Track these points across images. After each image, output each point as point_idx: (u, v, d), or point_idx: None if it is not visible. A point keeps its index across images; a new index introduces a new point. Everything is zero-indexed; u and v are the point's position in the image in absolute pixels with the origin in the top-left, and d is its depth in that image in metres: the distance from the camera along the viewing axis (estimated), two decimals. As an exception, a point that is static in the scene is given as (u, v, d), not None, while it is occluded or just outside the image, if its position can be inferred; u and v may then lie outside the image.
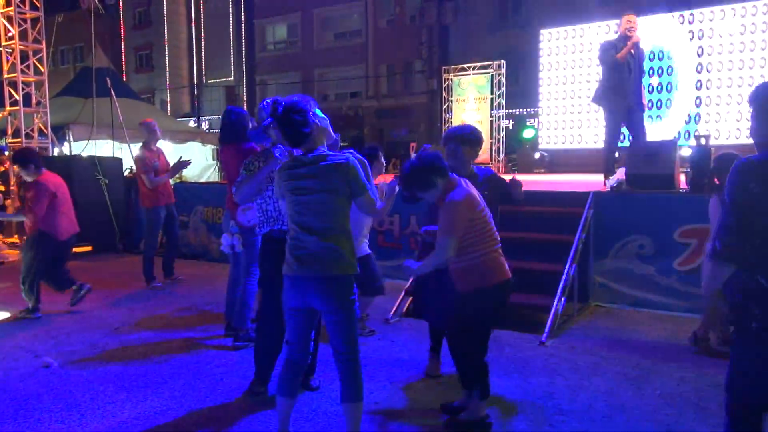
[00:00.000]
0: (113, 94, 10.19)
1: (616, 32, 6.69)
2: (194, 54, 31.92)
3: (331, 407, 3.52)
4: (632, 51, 6.33)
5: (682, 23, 10.53)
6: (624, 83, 6.46)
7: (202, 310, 5.88)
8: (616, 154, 7.15)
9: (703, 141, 5.81)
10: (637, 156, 5.96)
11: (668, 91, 10.78)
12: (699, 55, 10.30)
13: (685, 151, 7.25)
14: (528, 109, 20.12)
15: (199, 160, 12.25)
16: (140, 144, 7.02)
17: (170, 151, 10.06)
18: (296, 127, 2.79)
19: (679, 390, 3.76)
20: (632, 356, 4.35)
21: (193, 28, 31.86)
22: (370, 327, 5.01)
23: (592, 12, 18.38)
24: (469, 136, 3.77)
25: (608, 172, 6.69)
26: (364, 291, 4.44)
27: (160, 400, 3.68)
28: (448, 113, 12.89)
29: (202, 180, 12.68)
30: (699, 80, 10.25)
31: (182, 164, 6.67)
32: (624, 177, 6.12)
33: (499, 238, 3.21)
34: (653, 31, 10.66)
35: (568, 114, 12.02)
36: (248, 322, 4.66)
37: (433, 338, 4.05)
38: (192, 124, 25.15)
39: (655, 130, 10.49)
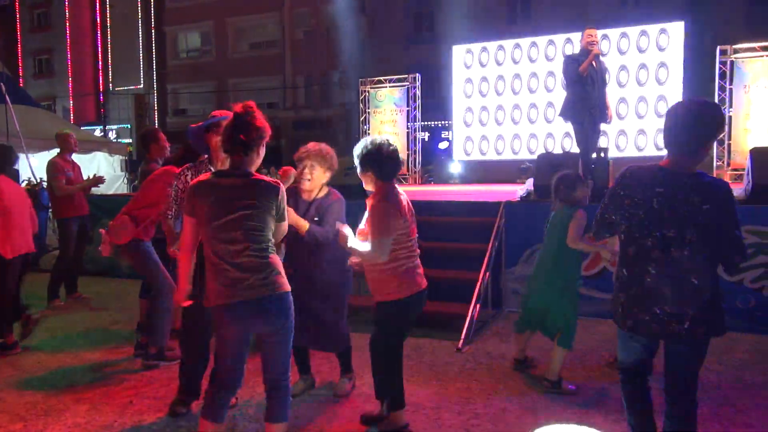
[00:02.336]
0: (8, 101, 9.49)
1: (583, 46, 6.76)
2: (100, 59, 30.34)
3: (250, 424, 3.43)
4: (594, 63, 6.54)
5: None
6: (588, 95, 6.59)
7: (109, 329, 5.57)
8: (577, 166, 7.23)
9: (602, 154, 6.20)
10: (545, 167, 6.27)
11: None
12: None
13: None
14: (443, 122, 20.72)
15: (106, 171, 11.65)
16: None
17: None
18: None
19: (586, 387, 3.97)
20: (542, 360, 4.54)
21: (99, 32, 30.30)
22: None
23: (502, 30, 19.25)
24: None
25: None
26: None
27: (62, 428, 3.44)
28: (366, 125, 13.01)
29: (110, 192, 12.04)
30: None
31: (97, 180, 6.58)
32: (533, 187, 6.41)
33: (418, 250, 3.27)
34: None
35: (481, 127, 12.48)
36: (163, 339, 4.46)
37: (296, 358, 3.86)
38: (98, 133, 23.87)
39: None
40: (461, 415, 3.58)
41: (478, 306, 5.23)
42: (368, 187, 3.21)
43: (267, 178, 2.75)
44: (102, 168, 11.95)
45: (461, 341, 4.87)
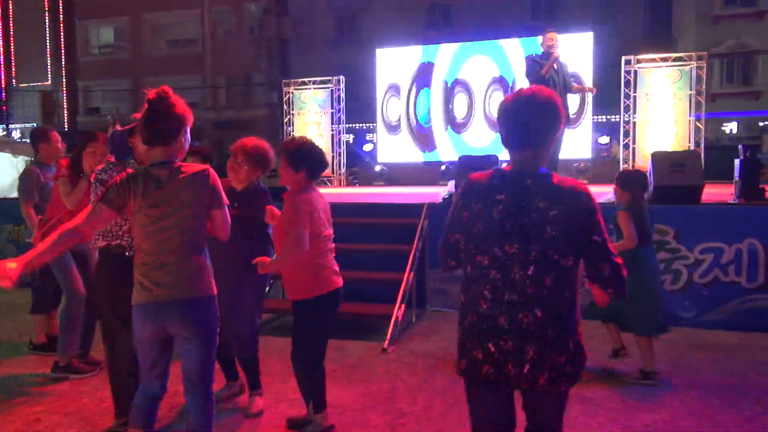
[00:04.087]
0: None
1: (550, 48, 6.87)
2: (1, 53, 28.29)
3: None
4: (555, 66, 6.68)
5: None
6: None
7: (12, 341, 5.21)
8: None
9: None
10: (465, 169, 6.44)
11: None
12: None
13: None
14: (367, 124, 20.85)
15: (8, 173, 10.89)
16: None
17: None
18: None
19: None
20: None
21: (0, 23, 28.26)
22: None
23: (420, 35, 19.66)
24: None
25: None
26: None
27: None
28: (290, 126, 12.88)
29: (13, 196, 11.25)
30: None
31: None
32: (454, 189, 6.58)
33: (333, 249, 3.28)
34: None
35: (404, 129, 12.67)
36: (72, 351, 4.23)
37: (222, 364, 3.80)
38: (0, 132, 22.25)
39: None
40: (387, 414, 3.62)
41: (403, 306, 5.30)
42: (288, 183, 3.19)
43: (194, 166, 2.57)
44: (5, 170, 11.17)
45: (386, 342, 4.92)
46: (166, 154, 2.52)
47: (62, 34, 27.36)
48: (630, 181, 4.28)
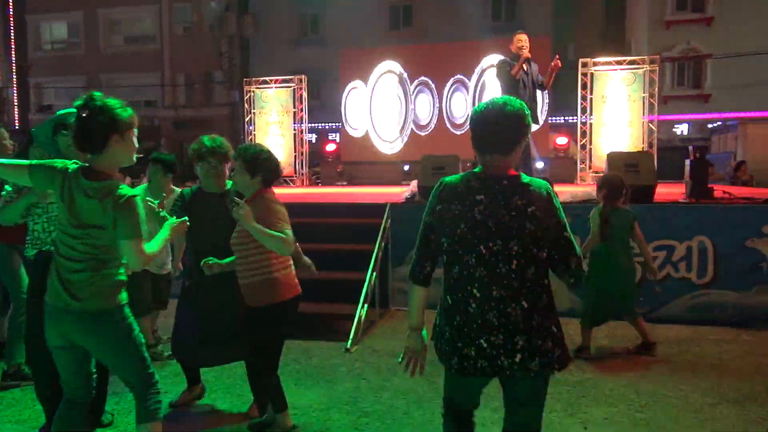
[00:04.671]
0: None
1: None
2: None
3: None
4: (525, 67, 6.73)
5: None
6: (520, 98, 6.72)
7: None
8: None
9: (468, 163, 6.55)
10: (428, 169, 6.51)
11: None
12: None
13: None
14: (330, 124, 20.79)
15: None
16: None
17: None
18: None
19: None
20: (428, 355, 4.70)
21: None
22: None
23: (382, 37, 19.71)
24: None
25: None
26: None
27: None
28: (251, 126, 12.74)
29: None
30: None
31: None
32: (417, 189, 6.64)
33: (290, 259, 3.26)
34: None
35: (367, 129, 12.68)
36: (21, 356, 4.09)
37: (187, 372, 3.78)
38: (-56, 130, 21.25)
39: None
40: (350, 414, 3.63)
41: (366, 306, 5.32)
42: (246, 189, 3.16)
43: (125, 188, 2.42)
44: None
45: (350, 341, 4.93)
46: (95, 163, 2.43)
47: (12, 29, 26.38)
48: (599, 185, 4.76)
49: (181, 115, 25.62)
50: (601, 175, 4.90)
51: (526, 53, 6.75)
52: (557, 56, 7.03)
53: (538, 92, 7.16)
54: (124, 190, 2.39)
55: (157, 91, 26.06)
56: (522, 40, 6.81)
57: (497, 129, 2.17)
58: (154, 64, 25.85)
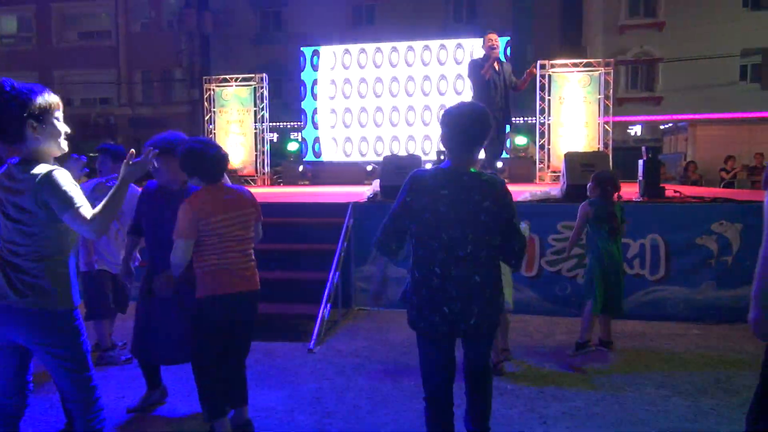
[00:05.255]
0: None
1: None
2: None
3: None
4: (496, 67, 6.66)
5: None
6: (492, 99, 6.71)
7: None
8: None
9: (443, 157, 6.60)
10: (390, 169, 6.53)
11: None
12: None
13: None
14: (292, 123, 20.63)
15: None
16: None
17: None
18: None
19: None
20: (391, 354, 4.74)
21: None
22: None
23: (345, 34, 19.68)
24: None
25: None
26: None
27: None
28: (211, 124, 12.54)
29: None
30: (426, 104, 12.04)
31: None
32: (379, 188, 6.65)
33: (250, 251, 3.22)
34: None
35: (329, 129, 12.64)
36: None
37: (144, 372, 3.72)
38: None
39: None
40: (314, 415, 3.62)
41: (328, 306, 5.31)
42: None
43: (43, 167, 2.29)
44: None
45: (312, 342, 4.91)
46: (22, 153, 2.32)
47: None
48: (601, 181, 4.86)
49: (138, 113, 25.04)
50: (595, 172, 5.01)
51: (496, 53, 6.79)
52: (533, 66, 7.21)
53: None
54: (42, 168, 2.28)
55: (113, 88, 25.39)
56: (492, 39, 6.84)
57: (464, 130, 2.54)
58: (110, 60, 25.17)
